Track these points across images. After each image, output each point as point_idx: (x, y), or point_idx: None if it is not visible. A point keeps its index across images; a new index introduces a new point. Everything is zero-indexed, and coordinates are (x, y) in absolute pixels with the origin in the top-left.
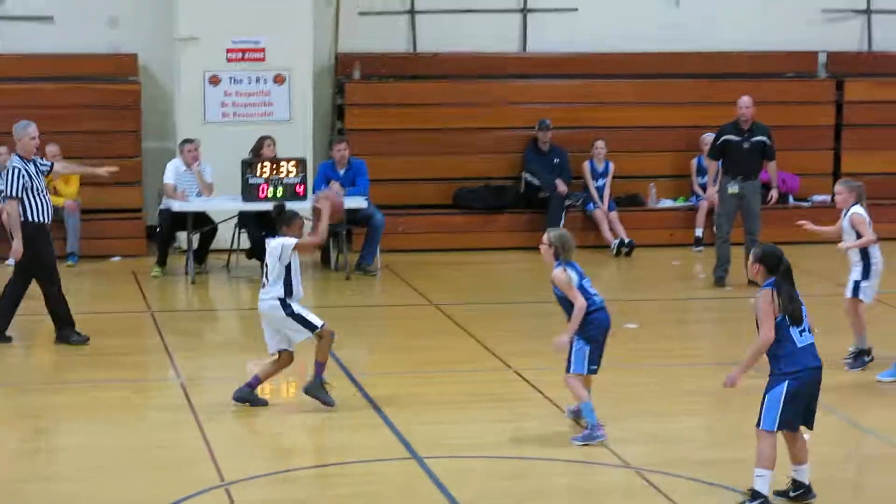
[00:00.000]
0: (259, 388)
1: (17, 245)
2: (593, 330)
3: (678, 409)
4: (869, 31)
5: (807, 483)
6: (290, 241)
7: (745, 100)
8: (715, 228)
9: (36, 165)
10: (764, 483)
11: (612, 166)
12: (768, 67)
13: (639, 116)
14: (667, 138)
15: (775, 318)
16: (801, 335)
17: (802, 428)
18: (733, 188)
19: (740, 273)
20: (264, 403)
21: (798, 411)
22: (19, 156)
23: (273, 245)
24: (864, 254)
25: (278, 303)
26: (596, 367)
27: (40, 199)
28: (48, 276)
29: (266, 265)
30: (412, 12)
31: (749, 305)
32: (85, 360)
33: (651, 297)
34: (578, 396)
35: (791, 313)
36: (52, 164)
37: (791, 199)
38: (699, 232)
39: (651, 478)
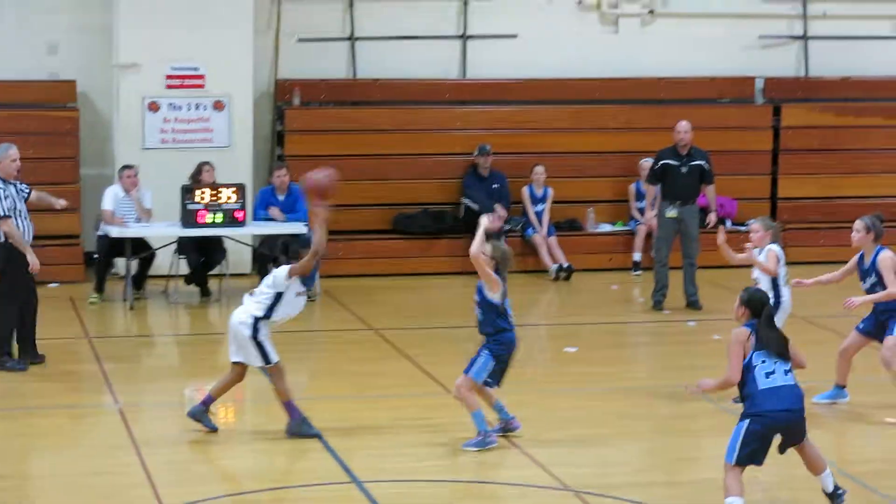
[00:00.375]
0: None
1: (32, 258)
2: (503, 350)
3: (616, 432)
4: (806, 57)
5: (830, 489)
6: (283, 269)
7: (684, 124)
8: (653, 253)
9: (16, 188)
10: None
11: (550, 191)
12: (706, 93)
13: (577, 142)
14: (605, 163)
15: (744, 359)
16: (767, 377)
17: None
18: (672, 212)
19: (678, 297)
20: (214, 429)
21: (760, 449)
22: (0, 178)
23: (274, 272)
24: (776, 291)
25: (251, 321)
26: (493, 382)
27: (22, 222)
28: (21, 297)
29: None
30: (352, 39)
31: (687, 329)
32: (22, 387)
33: (590, 321)
34: (468, 404)
35: (770, 347)
36: (31, 191)
37: (729, 223)
38: (637, 256)
39: (590, 500)
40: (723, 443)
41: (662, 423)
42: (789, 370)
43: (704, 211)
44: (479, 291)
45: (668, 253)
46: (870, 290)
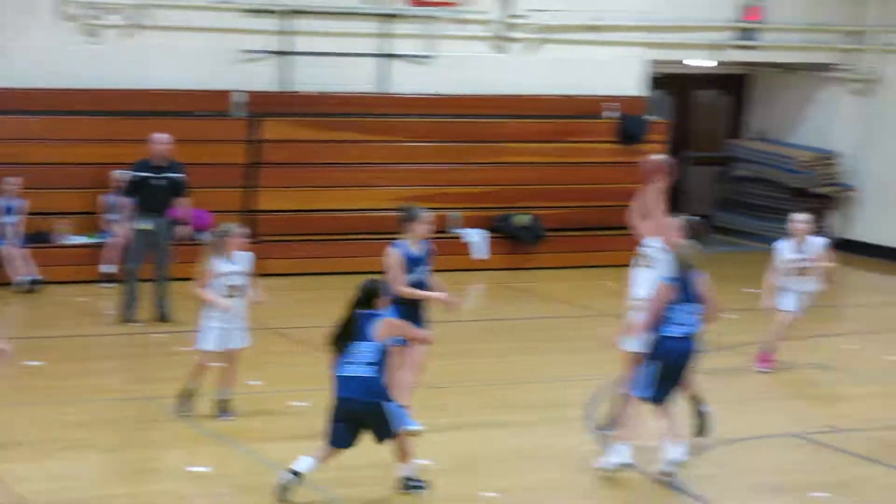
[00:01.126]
0: None
1: None
2: None
3: (78, 444)
4: (286, 72)
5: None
6: None
7: (160, 136)
8: (125, 265)
9: None
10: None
11: (22, 203)
12: (184, 105)
13: (51, 153)
14: (78, 175)
15: None
16: (346, 366)
17: None
18: (145, 224)
19: (149, 309)
20: None
21: (337, 432)
22: None
23: None
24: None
25: None
26: None
27: None
28: None
29: None
30: None
31: (156, 340)
32: None
33: (58, 335)
34: None
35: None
36: None
37: (203, 235)
38: (109, 268)
39: None
40: (183, 453)
41: (125, 435)
42: (371, 363)
43: (177, 223)
44: None
45: (140, 265)
46: (421, 279)
